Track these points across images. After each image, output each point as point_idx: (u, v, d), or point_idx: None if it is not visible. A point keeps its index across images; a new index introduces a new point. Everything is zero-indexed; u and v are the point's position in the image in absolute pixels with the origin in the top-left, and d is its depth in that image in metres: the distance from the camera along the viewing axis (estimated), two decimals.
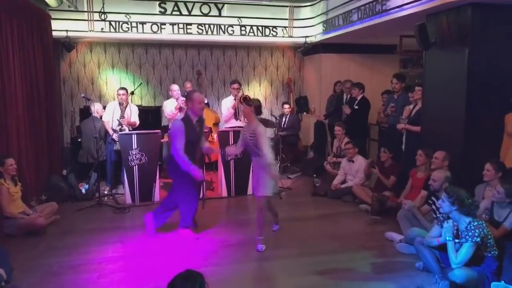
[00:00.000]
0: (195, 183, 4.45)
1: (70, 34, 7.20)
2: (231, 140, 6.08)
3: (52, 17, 6.89)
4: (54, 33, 6.90)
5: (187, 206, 4.46)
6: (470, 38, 4.59)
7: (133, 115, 6.34)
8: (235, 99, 6.69)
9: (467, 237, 3.17)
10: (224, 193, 6.19)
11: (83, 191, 5.99)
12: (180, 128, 4.24)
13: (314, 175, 6.67)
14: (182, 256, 4.08)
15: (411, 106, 5.84)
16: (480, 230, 3.15)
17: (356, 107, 6.93)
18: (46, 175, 5.99)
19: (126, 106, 6.29)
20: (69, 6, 6.89)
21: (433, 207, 4.16)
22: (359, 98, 6.98)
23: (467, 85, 4.66)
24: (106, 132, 6.28)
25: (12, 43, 5.05)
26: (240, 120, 6.85)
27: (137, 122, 6.37)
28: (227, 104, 6.75)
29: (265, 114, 9.05)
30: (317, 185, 6.41)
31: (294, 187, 6.76)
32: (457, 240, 3.25)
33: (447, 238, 3.26)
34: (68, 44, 7.34)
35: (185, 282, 1.99)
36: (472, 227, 3.17)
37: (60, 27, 7.09)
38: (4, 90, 4.76)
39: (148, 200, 5.85)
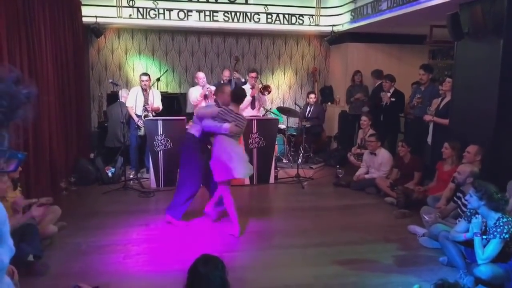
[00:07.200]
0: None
1: (99, 20, 7.32)
2: (254, 129, 6.10)
3: (82, 3, 7.02)
4: (84, 19, 7.03)
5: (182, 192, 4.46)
6: (505, 29, 4.41)
7: (156, 100, 6.40)
8: (252, 88, 6.69)
9: (495, 233, 3.10)
10: (247, 180, 6.22)
11: (110, 174, 6.13)
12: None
13: (337, 166, 6.62)
14: (204, 241, 4.15)
15: (440, 99, 5.69)
16: (510, 226, 3.08)
17: (393, 99, 6.74)
18: (75, 158, 6.17)
19: (149, 91, 6.38)
20: None
21: (459, 202, 4.08)
22: (391, 90, 6.83)
23: (500, 78, 4.48)
24: (130, 117, 6.38)
25: (45, 29, 5.17)
26: (257, 109, 6.86)
27: (160, 107, 6.45)
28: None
29: (289, 104, 9.02)
30: (340, 175, 6.36)
31: (316, 177, 6.74)
32: (484, 236, 3.19)
33: (475, 234, 3.19)
34: (97, 30, 7.46)
35: (207, 266, 2.00)
36: (501, 223, 3.10)
37: (89, 13, 7.22)
38: (36, 76, 4.89)
39: (172, 185, 5.95)
